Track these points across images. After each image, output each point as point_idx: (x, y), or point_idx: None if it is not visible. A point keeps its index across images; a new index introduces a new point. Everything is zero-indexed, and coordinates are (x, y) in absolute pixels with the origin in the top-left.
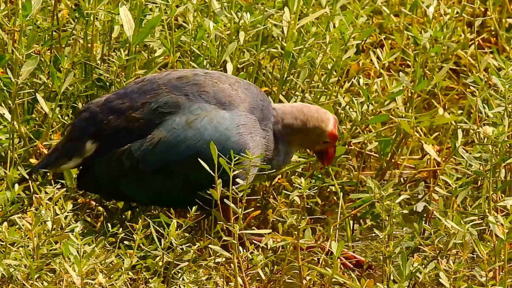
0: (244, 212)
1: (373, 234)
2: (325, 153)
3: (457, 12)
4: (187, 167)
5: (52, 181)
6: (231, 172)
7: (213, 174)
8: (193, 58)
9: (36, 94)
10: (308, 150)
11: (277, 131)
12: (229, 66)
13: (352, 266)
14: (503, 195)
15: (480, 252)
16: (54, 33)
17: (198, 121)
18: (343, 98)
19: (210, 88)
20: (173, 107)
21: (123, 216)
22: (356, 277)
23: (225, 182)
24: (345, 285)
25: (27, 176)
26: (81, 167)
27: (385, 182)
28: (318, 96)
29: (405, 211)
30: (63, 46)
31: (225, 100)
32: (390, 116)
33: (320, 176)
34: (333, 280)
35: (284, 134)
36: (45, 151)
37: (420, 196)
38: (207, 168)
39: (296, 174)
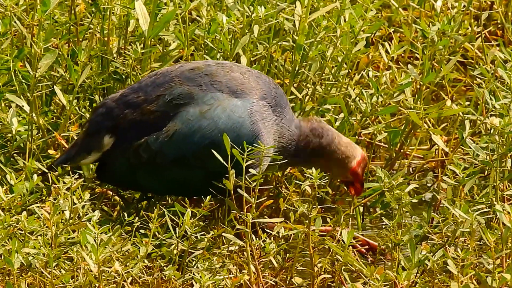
0: (257, 201)
1: (383, 223)
2: (352, 185)
3: (464, 6)
4: (204, 156)
5: (70, 171)
6: (244, 162)
7: (227, 165)
8: (206, 51)
9: (54, 86)
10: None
11: (298, 143)
12: (243, 59)
13: (364, 251)
14: (509, 184)
15: (488, 240)
16: (71, 27)
17: (211, 111)
18: (353, 90)
19: (222, 78)
20: (186, 98)
21: (139, 206)
22: (367, 264)
23: (240, 171)
24: (356, 271)
25: (46, 170)
26: (99, 161)
27: (394, 172)
28: (329, 88)
29: (414, 200)
30: (80, 40)
31: (237, 88)
32: (399, 107)
33: None
34: (344, 267)
35: (305, 149)
36: (63, 142)
37: (428, 186)
38: (220, 158)
39: None
